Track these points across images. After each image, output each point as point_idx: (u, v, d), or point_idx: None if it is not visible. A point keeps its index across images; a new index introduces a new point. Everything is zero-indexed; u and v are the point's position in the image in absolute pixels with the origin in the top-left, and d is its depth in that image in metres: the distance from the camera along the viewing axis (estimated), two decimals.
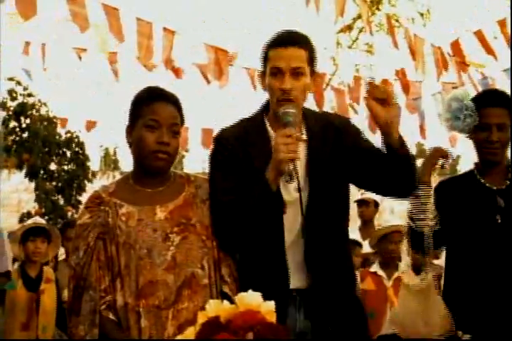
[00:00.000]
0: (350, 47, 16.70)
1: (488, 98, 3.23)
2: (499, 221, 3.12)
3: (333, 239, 2.91)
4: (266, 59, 2.86)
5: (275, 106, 2.84)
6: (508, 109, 3.15)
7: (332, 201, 2.89)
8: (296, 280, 2.85)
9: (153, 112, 2.67)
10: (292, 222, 2.84)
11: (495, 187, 3.19)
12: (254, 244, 2.85)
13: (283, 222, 2.83)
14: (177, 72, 7.38)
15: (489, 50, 6.73)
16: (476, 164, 3.27)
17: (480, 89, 6.86)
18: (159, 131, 2.65)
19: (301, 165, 2.84)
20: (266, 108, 2.97)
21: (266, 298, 2.26)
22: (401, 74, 7.83)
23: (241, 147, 2.84)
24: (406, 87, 7.85)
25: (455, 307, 3.11)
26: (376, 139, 2.88)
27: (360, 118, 8.54)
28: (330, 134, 2.93)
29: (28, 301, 5.15)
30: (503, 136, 3.14)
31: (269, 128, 2.91)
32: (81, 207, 2.78)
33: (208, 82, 7.44)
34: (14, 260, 6.00)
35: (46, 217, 9.07)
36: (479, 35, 6.70)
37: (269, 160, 2.73)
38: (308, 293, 2.86)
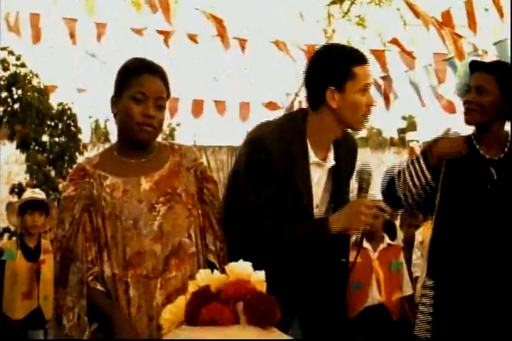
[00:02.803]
0: (343, 17, 16.61)
1: (477, 64, 3.27)
2: (489, 190, 3.14)
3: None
4: (351, 76, 2.85)
5: (355, 120, 2.91)
6: (495, 76, 3.18)
7: None
8: None
9: (140, 85, 2.65)
10: None
11: (488, 156, 3.20)
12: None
13: None
14: (166, 36, 7.34)
15: (472, 25, 6.70)
16: (473, 130, 3.30)
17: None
18: (145, 103, 2.64)
19: (325, 187, 2.98)
20: (301, 125, 2.96)
21: None
22: (395, 42, 7.77)
23: (283, 160, 2.86)
24: (405, 53, 7.80)
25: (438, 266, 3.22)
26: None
27: None
28: (350, 158, 3.07)
29: (28, 271, 5.28)
30: (481, 99, 3.17)
31: (309, 145, 2.93)
32: None
33: (195, 41, 7.39)
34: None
35: (37, 189, 9.04)
36: (468, 7, 6.66)
37: (307, 181, 2.89)
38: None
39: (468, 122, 3.24)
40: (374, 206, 2.79)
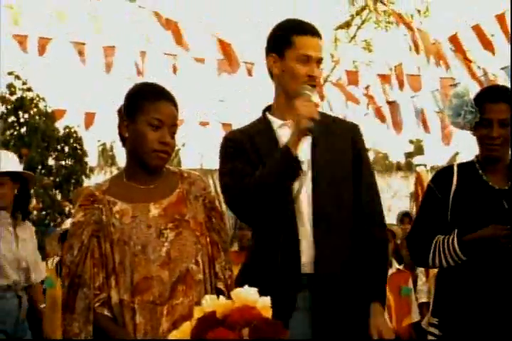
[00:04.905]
0: (350, 41, 16.70)
1: (490, 93, 3.21)
2: (501, 222, 3.09)
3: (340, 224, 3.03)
4: (289, 44, 3.01)
5: (293, 89, 3.01)
6: (509, 105, 3.12)
7: (336, 192, 3.02)
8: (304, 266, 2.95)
9: (157, 111, 2.65)
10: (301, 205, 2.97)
11: (497, 187, 3.16)
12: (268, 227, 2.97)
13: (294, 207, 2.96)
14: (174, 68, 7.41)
15: (487, 45, 6.69)
16: (477, 157, 3.25)
17: (483, 85, 6.82)
18: (162, 130, 2.65)
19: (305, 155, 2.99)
20: (267, 108, 3.17)
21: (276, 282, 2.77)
22: (398, 70, 7.80)
23: (247, 139, 3.03)
24: (401, 83, 7.83)
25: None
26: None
27: (356, 115, 8.56)
28: (338, 131, 3.09)
29: None
30: (504, 132, 3.11)
31: (271, 116, 3.10)
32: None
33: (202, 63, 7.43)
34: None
35: (44, 212, 9.05)
36: (477, 30, 6.65)
37: (274, 148, 2.95)
38: (316, 278, 2.94)
39: (493, 158, 3.18)
40: (311, 102, 2.89)
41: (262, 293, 2.08)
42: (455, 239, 3.10)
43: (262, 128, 3.08)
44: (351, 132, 3.13)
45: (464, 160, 3.36)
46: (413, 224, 3.35)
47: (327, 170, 3.01)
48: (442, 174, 3.28)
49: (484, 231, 3.05)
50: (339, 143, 3.06)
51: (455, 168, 3.25)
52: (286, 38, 3.01)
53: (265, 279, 2.87)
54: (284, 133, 3.03)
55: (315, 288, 2.94)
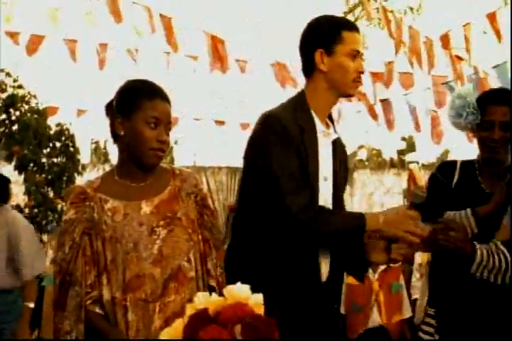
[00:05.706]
0: None
1: (493, 96, 3.22)
2: (487, 222, 3.10)
3: None
4: (338, 39, 2.97)
5: (345, 84, 2.98)
6: (510, 108, 3.13)
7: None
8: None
9: (154, 109, 2.65)
10: None
11: (488, 190, 3.18)
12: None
13: None
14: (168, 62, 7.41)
15: (468, 48, 6.73)
16: (478, 157, 3.27)
17: (467, 83, 6.83)
18: (159, 128, 2.65)
19: (332, 161, 3.03)
20: (303, 97, 3.03)
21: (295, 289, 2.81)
22: (388, 67, 7.81)
23: (298, 132, 2.91)
24: (389, 81, 7.84)
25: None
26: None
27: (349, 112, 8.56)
28: (340, 147, 3.13)
29: None
30: (506, 134, 3.13)
31: (314, 114, 3.00)
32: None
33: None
34: None
35: (36, 210, 9.01)
36: (466, 30, 6.68)
37: (315, 148, 2.93)
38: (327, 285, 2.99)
39: (494, 160, 3.19)
40: (417, 223, 2.79)
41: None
42: (468, 211, 3.11)
43: (309, 127, 2.96)
44: (345, 153, 3.19)
45: (459, 158, 3.38)
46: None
47: (342, 187, 3.11)
48: (447, 167, 3.31)
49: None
50: (343, 163, 3.12)
51: (458, 165, 3.28)
52: (336, 33, 2.97)
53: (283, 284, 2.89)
54: (322, 141, 3.00)
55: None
